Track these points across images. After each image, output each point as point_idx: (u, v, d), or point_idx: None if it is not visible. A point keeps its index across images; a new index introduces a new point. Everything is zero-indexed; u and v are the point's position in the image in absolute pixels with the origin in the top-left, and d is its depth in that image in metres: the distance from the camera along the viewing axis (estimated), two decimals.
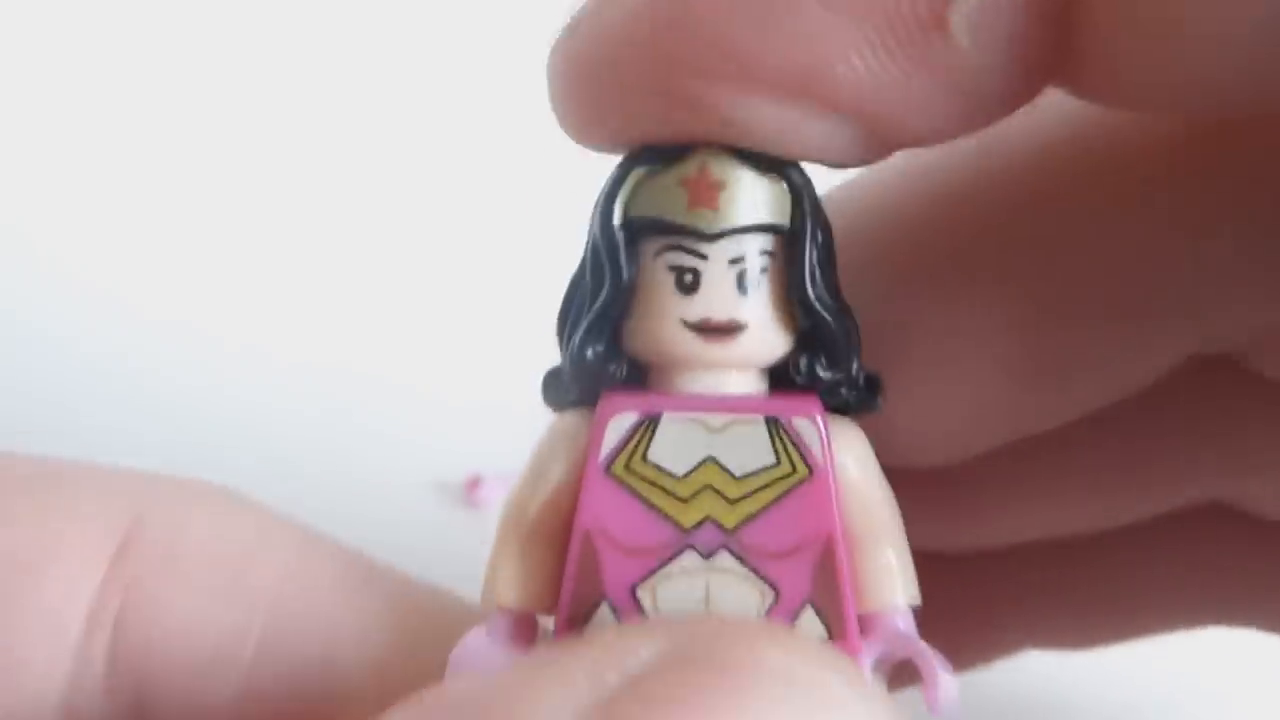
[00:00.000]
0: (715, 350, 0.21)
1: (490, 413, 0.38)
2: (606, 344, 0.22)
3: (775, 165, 0.21)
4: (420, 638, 0.23)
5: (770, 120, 0.20)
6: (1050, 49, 0.19)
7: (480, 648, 0.22)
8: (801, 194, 0.21)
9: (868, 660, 0.21)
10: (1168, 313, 0.24)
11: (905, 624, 0.22)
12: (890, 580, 0.22)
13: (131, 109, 0.49)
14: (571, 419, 0.22)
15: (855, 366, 0.22)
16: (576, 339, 0.22)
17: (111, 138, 0.48)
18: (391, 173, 0.49)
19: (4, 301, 0.43)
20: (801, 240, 0.21)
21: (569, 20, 0.21)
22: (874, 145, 0.21)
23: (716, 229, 0.21)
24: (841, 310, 0.22)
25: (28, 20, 0.49)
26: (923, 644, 0.22)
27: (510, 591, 0.22)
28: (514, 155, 0.46)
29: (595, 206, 0.22)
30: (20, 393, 0.40)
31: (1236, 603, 0.29)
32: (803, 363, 0.21)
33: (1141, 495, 0.28)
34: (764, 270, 0.21)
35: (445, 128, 0.50)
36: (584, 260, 0.22)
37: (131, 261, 0.45)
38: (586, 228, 0.22)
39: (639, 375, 0.22)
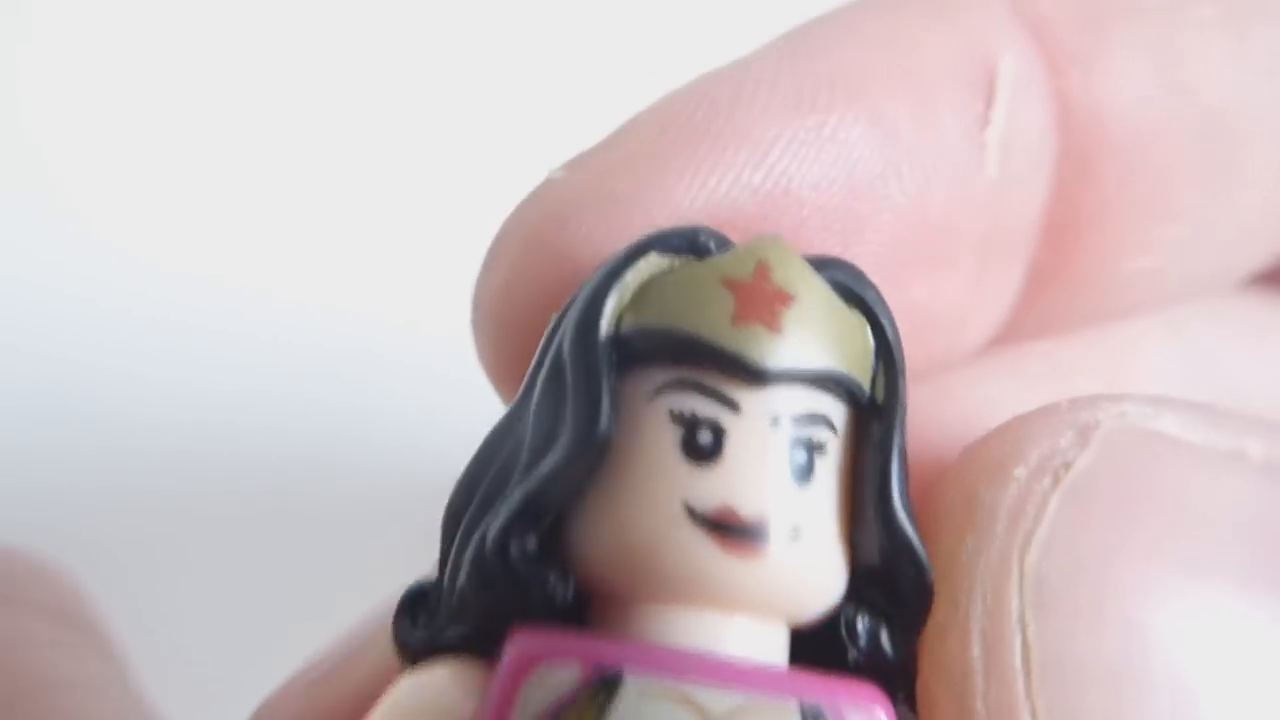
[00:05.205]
0: (734, 567, 0.12)
1: (490, 410, 0.31)
2: (542, 540, 0.13)
3: (859, 295, 0.13)
4: None
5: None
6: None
7: None
8: (892, 349, 0.14)
9: None
10: None
11: None
12: None
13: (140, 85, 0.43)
14: (443, 677, 0.13)
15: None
16: (496, 526, 0.13)
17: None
18: (394, 177, 0.43)
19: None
20: (888, 419, 0.13)
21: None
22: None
23: (776, 365, 0.13)
24: (921, 542, 0.13)
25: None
26: None
27: None
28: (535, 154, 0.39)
29: (571, 307, 0.13)
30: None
31: None
32: (861, 625, 0.13)
33: None
34: (820, 450, 0.13)
35: (449, 128, 0.43)
36: (527, 393, 0.13)
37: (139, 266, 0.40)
38: (544, 339, 0.13)
39: (575, 605, 0.13)
